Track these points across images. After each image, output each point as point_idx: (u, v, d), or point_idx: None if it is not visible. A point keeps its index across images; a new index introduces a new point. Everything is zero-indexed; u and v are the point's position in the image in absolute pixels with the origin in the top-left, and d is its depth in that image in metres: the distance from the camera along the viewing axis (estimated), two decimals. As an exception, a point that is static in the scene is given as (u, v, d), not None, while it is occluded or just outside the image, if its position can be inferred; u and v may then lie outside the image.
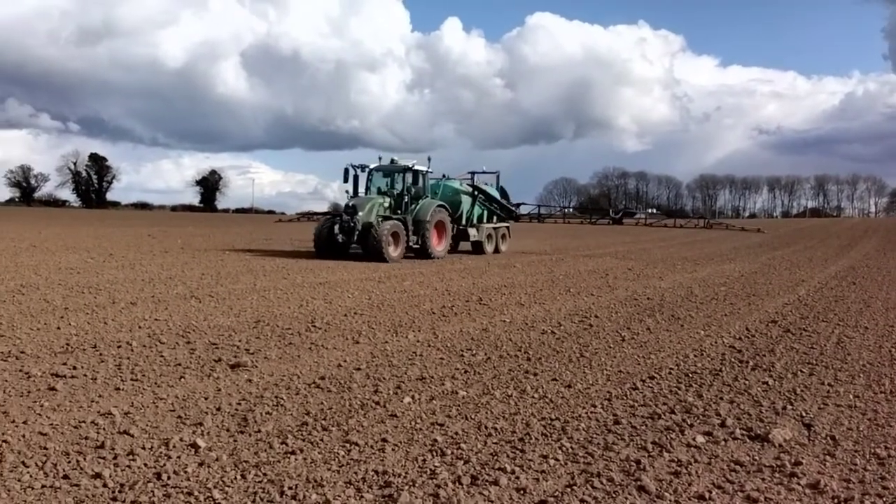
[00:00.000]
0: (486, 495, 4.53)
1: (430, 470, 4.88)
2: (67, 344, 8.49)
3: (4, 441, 5.17)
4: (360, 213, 22.58)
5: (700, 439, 5.66)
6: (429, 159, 25.35)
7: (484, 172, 29.53)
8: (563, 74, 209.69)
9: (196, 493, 4.42)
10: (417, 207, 24.10)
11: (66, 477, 4.61)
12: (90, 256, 21.22)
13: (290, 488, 4.52)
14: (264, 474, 4.74)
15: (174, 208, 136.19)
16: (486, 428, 5.82)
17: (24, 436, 5.31)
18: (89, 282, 14.45)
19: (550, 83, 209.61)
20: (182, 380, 7.06)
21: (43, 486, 4.47)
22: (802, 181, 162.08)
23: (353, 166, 24.74)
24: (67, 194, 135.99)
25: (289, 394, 6.69)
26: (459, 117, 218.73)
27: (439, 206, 24.69)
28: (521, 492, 4.59)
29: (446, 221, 25.07)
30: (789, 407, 6.68)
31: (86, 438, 5.32)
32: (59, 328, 9.44)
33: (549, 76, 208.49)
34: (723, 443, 5.63)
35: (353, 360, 8.16)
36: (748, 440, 5.71)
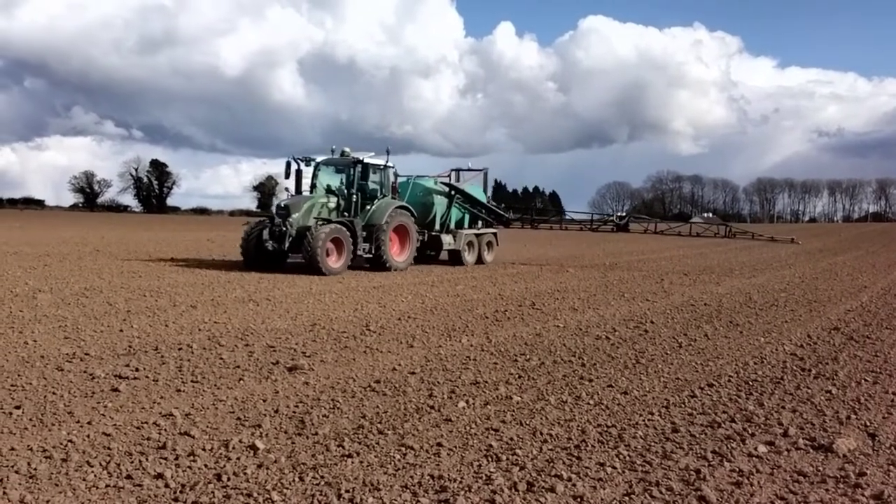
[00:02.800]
0: (542, 502, 4.50)
1: (486, 475, 4.86)
2: (130, 346, 8.72)
3: (70, 441, 5.32)
4: (294, 216, 18.84)
5: (762, 449, 5.53)
6: (387, 151, 21.14)
7: (469, 170, 25.60)
8: (616, 77, 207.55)
9: (255, 494, 4.49)
10: (372, 209, 20.24)
11: (129, 477, 4.72)
12: (151, 260, 21.78)
13: (346, 491, 4.56)
14: (321, 477, 4.79)
15: (232, 213, 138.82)
16: (541, 434, 5.78)
17: (88, 436, 5.46)
18: (150, 285, 14.82)
19: (604, 86, 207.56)
20: (241, 382, 7.19)
21: (107, 486, 4.58)
22: (864, 185, 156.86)
23: (297, 159, 20.93)
24: (129, 200, 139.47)
25: (345, 397, 6.75)
26: (511, 122, 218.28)
27: (400, 207, 20.76)
28: (579, 499, 4.55)
29: (409, 226, 20.98)
30: (853, 416, 6.49)
31: (148, 439, 5.44)
32: (121, 330, 9.70)
33: (602, 79, 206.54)
34: (785, 453, 5.49)
35: (407, 364, 8.20)
36: (811, 450, 5.56)
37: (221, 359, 8.16)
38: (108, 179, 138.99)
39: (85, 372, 7.37)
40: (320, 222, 18.91)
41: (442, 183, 23.53)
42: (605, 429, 5.96)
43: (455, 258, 23.34)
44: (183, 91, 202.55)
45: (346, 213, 19.96)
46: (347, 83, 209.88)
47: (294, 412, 6.23)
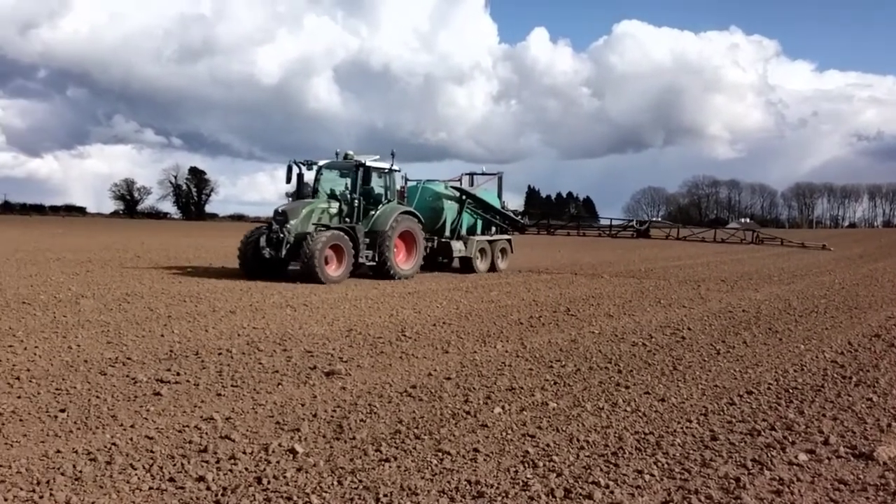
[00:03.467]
0: (579, 509, 4.50)
1: (523, 482, 4.87)
2: (171, 351, 8.88)
3: (114, 444, 5.44)
4: (292, 222, 17.97)
5: (802, 457, 5.46)
6: (392, 154, 20.18)
7: (483, 174, 24.46)
8: (651, 82, 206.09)
9: (295, 497, 4.55)
10: (376, 214, 19.31)
11: (171, 479, 4.81)
12: (190, 266, 22.12)
13: (384, 495, 4.60)
14: (360, 481, 4.84)
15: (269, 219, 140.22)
16: (577, 440, 5.77)
17: (131, 439, 5.57)
18: (190, 290, 15.07)
19: (639, 91, 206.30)
20: (279, 386, 7.29)
21: (150, 489, 4.66)
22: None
23: (298, 163, 19.97)
24: (168, 206, 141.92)
25: (381, 402, 6.80)
26: (545, 127, 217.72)
27: (405, 212, 19.77)
28: (616, 506, 4.54)
29: (416, 232, 20.06)
30: (894, 424, 6.40)
31: (189, 442, 5.54)
32: (162, 335, 9.88)
33: (637, 84, 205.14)
34: (826, 461, 5.42)
35: (443, 370, 8.23)
36: (852, 458, 5.49)
37: (260, 363, 8.28)
38: (147, 187, 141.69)
39: (127, 376, 7.53)
40: (320, 228, 18.11)
41: (452, 188, 22.57)
42: (643, 436, 5.93)
43: (466, 265, 22.34)
44: (221, 99, 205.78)
45: (348, 219, 19.09)
46: (382, 90, 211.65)
47: (332, 417, 6.29)
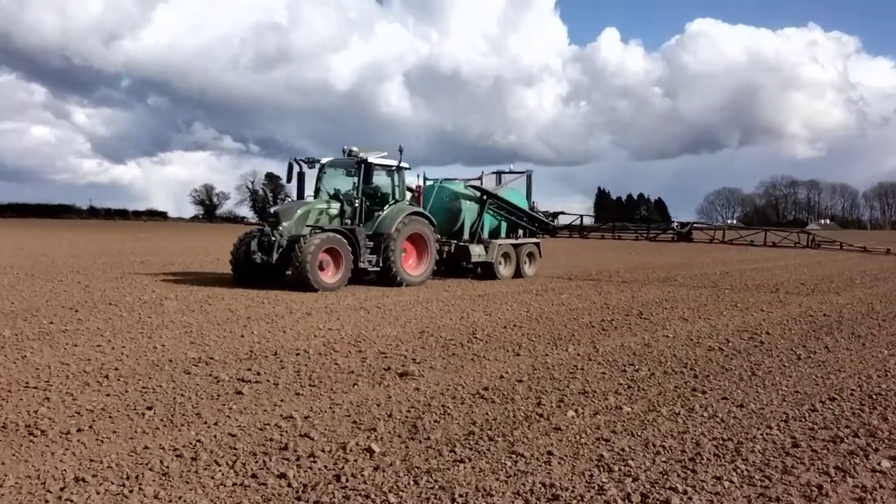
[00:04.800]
0: (656, 513, 4.47)
1: (598, 486, 4.86)
2: (251, 351, 9.15)
3: (198, 441, 5.64)
4: (285, 224, 16.61)
5: (886, 464, 5.30)
6: (400, 150, 18.20)
7: (511, 172, 22.76)
8: (726, 81, 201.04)
9: (373, 496, 4.64)
10: (381, 216, 17.88)
11: (254, 476, 4.96)
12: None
13: (460, 496, 4.66)
14: (435, 481, 4.91)
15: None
16: (653, 445, 5.71)
17: (215, 436, 5.77)
18: (267, 292, 15.45)
19: (713, 90, 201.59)
20: (355, 386, 7.44)
21: (234, 484, 4.82)
22: None
23: (299, 160, 18.57)
24: (245, 211, 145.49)
25: (454, 403, 6.87)
26: (616, 128, 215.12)
27: (414, 213, 18.27)
28: (694, 512, 4.49)
29: (427, 235, 18.54)
30: None
31: (270, 440, 5.70)
32: (242, 336, 10.19)
33: (711, 83, 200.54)
34: (914, 471, 5.23)
35: (514, 372, 8.25)
36: (943, 468, 5.28)
37: (336, 364, 8.46)
38: (225, 192, 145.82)
39: (210, 375, 7.80)
40: (315, 231, 16.58)
41: (472, 187, 20.93)
42: (721, 442, 5.83)
43: (488, 271, 20.49)
44: (296, 106, 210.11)
45: (350, 221, 17.64)
46: (452, 94, 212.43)
47: (406, 417, 6.39)
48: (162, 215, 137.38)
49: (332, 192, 18.21)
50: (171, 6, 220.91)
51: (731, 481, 4.98)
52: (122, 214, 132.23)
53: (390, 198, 18.39)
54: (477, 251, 20.04)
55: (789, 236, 22.91)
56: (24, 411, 6.27)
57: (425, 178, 20.85)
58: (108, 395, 6.92)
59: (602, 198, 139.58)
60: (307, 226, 16.78)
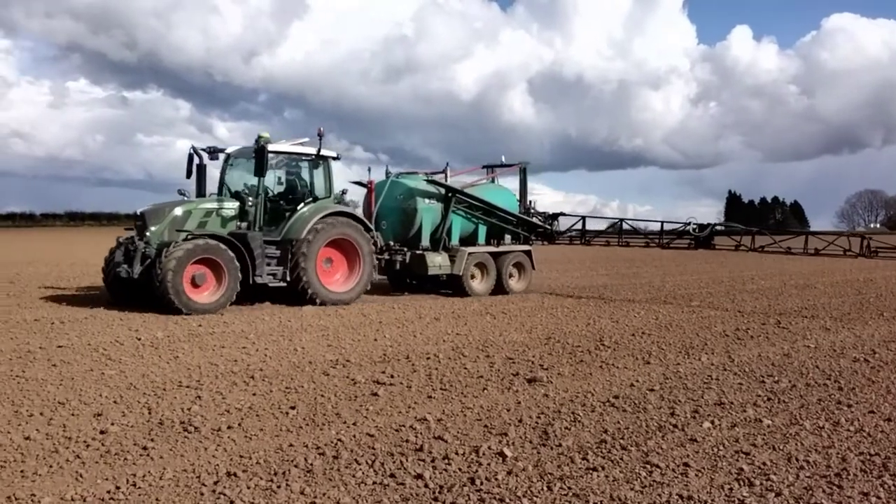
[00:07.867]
0: (801, 531, 4.31)
1: (739, 499, 4.73)
2: (384, 354, 9.46)
3: (339, 440, 5.88)
4: (153, 228, 13.47)
5: None
6: (320, 136, 14.89)
7: (502, 165, 19.19)
8: (867, 77, 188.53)
9: (507, 500, 4.71)
10: (292, 218, 14.56)
11: (392, 475, 5.13)
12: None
13: (594, 504, 4.67)
14: (569, 488, 4.92)
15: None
16: (796, 460, 5.50)
17: (354, 436, 6.01)
18: (396, 298, 15.88)
19: (853, 88, 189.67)
20: (485, 391, 7.55)
21: (374, 483, 5.00)
22: None
23: (198, 150, 15.31)
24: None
25: (584, 410, 6.85)
26: (747, 129, 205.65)
27: (337, 214, 14.83)
28: (842, 532, 4.30)
29: (358, 241, 14.97)
30: None
31: (406, 441, 5.88)
32: (376, 340, 10.55)
33: (851, 80, 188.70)
34: None
35: (645, 381, 8.12)
36: None
37: (465, 368, 8.61)
38: (355, 200, 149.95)
39: (347, 377, 8.12)
40: (188, 237, 13.13)
41: (433, 182, 17.05)
42: (868, 457, 5.55)
43: (455, 285, 16.92)
44: (422, 115, 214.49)
45: (242, 224, 14.24)
46: (576, 99, 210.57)
47: (537, 423, 6.43)
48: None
49: (237, 190, 15.00)
50: (305, 23, 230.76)
51: (879, 497, 4.75)
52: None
53: (308, 195, 15.12)
54: (437, 261, 16.31)
55: (836, 241, 18.05)
56: (179, 409, 6.73)
57: (388, 173, 17.68)
58: (254, 394, 7.33)
59: (733, 201, 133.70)
60: (182, 230, 13.47)
